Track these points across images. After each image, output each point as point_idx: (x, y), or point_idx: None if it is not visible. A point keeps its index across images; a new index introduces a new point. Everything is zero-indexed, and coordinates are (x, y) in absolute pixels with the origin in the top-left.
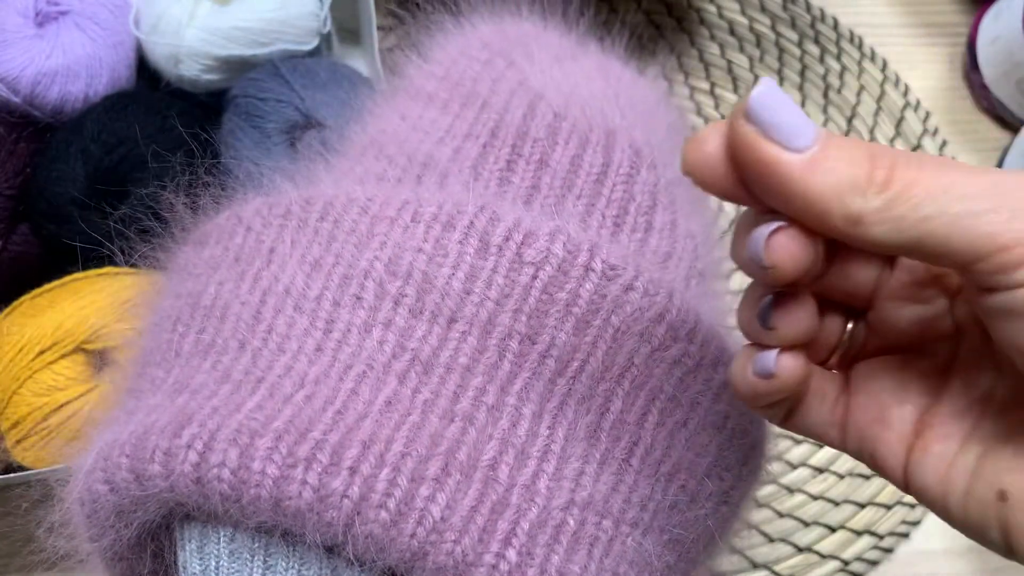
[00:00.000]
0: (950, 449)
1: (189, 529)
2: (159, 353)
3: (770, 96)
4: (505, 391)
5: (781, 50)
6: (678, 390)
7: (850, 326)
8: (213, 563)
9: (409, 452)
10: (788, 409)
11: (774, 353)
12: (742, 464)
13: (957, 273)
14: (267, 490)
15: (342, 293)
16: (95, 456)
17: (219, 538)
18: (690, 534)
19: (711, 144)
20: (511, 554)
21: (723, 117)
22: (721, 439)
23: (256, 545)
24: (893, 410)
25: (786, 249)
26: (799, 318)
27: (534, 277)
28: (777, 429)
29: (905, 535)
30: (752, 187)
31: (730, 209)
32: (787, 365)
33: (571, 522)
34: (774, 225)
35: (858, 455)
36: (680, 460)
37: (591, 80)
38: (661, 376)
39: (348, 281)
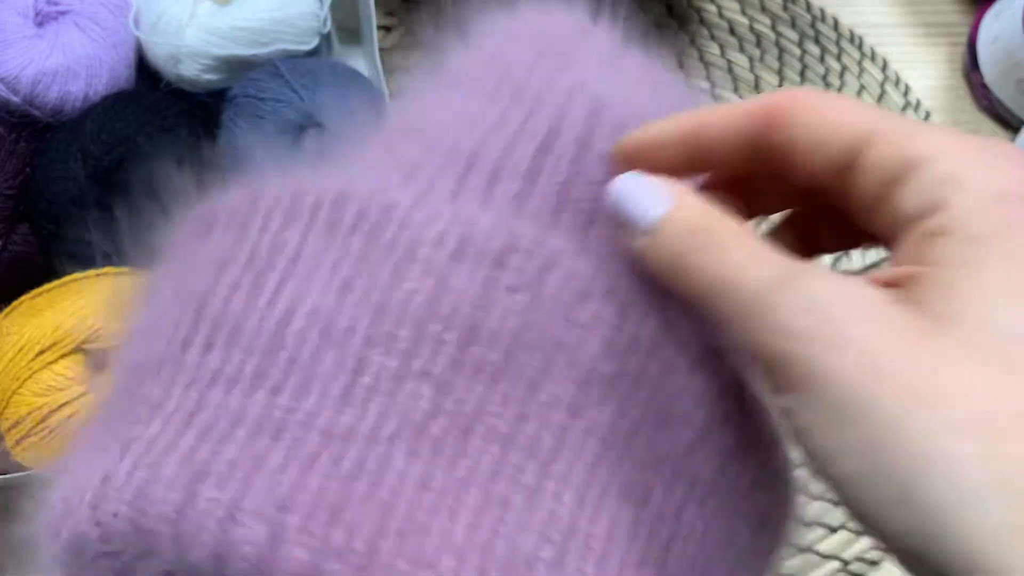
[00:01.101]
0: None
1: None
2: (155, 365)
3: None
4: (546, 472)
5: (781, 50)
6: (716, 475)
7: None
8: None
9: (445, 547)
10: None
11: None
12: (770, 552)
13: None
14: None
15: (376, 328)
16: (85, 491)
17: None
18: None
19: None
20: None
21: None
22: (752, 527)
23: None
24: None
25: None
26: None
27: (583, 339)
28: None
29: None
30: None
31: None
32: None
33: None
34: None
35: None
36: (712, 553)
37: (641, 87)
38: (700, 463)
39: (383, 314)
